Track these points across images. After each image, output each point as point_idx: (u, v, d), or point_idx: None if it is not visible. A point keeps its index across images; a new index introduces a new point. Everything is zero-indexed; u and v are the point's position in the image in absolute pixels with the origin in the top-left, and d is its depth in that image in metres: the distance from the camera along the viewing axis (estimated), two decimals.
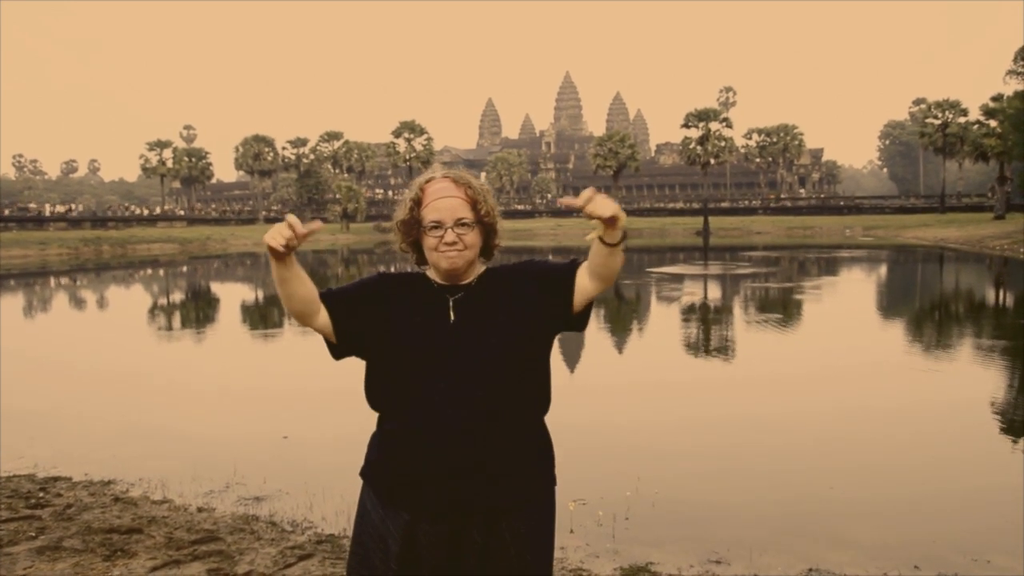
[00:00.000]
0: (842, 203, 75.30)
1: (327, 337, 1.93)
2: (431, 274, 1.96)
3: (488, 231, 1.95)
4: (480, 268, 1.97)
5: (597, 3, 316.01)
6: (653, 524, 4.43)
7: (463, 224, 1.87)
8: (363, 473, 1.97)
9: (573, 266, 1.93)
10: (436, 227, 1.86)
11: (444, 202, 1.87)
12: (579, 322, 1.96)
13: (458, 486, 1.82)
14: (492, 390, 1.83)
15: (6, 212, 58.88)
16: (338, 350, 1.95)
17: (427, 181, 1.92)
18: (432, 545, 1.84)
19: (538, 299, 1.91)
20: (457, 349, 1.84)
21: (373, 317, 1.89)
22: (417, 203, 1.90)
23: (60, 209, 65.46)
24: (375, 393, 1.94)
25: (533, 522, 1.90)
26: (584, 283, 1.89)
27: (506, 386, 1.85)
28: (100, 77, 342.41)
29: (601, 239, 1.79)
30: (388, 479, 1.88)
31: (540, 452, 1.95)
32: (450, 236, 1.85)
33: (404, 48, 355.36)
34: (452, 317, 1.88)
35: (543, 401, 1.96)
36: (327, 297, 1.91)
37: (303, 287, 1.85)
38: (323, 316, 1.90)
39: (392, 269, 2.10)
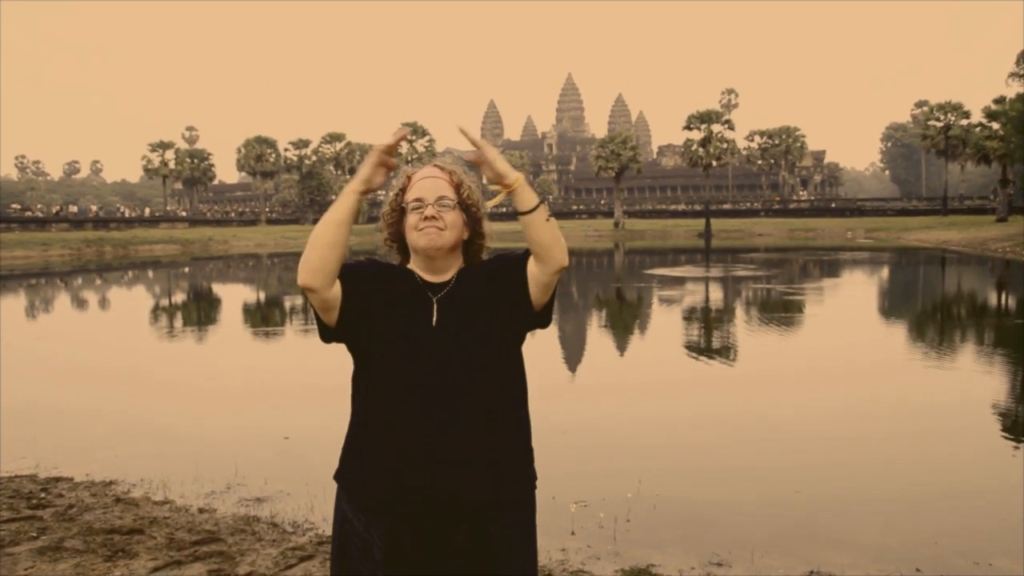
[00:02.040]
0: (842, 205, 75.27)
1: (326, 313, 1.83)
2: (414, 268, 1.94)
3: (472, 222, 1.94)
4: (460, 265, 1.96)
5: (599, 5, 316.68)
6: (654, 525, 4.43)
7: (444, 203, 1.88)
8: (339, 478, 1.93)
9: (524, 256, 1.89)
10: (418, 205, 1.88)
11: (427, 182, 1.91)
12: (541, 319, 1.93)
13: (439, 489, 1.80)
14: (473, 391, 1.82)
15: (19, 212, 58.76)
16: (333, 332, 1.87)
17: (414, 171, 1.96)
18: (418, 550, 1.82)
19: (502, 300, 1.89)
20: (439, 351, 1.83)
21: (366, 303, 1.86)
22: (403, 191, 1.94)
23: (73, 209, 65.48)
24: (359, 390, 1.92)
25: (518, 523, 1.89)
26: (532, 270, 1.86)
27: (487, 386, 1.84)
28: (102, 78, 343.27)
29: (518, 212, 1.76)
30: (368, 484, 1.86)
31: (520, 451, 1.93)
32: (430, 211, 1.86)
33: (406, 49, 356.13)
34: (435, 319, 1.86)
35: (521, 395, 1.95)
36: (342, 269, 1.84)
37: (346, 242, 1.79)
38: (337, 287, 1.82)
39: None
